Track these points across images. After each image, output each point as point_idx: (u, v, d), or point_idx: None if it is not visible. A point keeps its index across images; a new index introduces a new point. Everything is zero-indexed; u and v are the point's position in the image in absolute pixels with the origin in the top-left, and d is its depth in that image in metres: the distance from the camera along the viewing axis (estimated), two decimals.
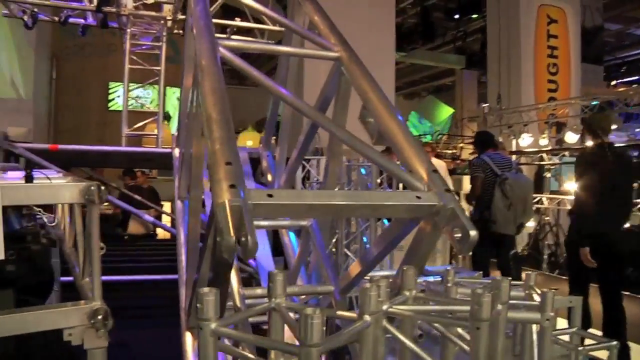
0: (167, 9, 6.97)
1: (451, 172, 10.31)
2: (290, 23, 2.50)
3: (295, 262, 2.87)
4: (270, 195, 1.41)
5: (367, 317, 1.23)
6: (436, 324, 1.49)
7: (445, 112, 21.74)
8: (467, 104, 20.06)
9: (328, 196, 1.46)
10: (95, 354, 1.42)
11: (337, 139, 2.32)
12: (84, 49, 13.15)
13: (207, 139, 1.65)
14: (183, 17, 6.85)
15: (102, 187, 1.34)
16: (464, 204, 6.93)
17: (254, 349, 1.64)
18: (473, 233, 1.42)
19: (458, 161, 13.92)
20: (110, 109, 13.85)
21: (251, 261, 3.16)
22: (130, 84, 9.19)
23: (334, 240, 4.75)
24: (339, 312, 1.30)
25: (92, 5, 6.66)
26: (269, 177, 3.70)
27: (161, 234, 8.81)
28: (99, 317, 1.39)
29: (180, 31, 7.08)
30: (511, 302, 1.82)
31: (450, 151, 16.75)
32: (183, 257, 3.33)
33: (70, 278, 4.73)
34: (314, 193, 1.45)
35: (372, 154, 1.80)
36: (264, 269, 2.89)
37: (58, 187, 1.36)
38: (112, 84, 13.65)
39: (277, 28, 7.25)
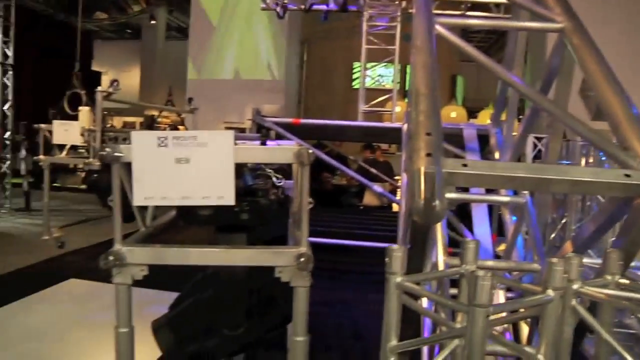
0: None
1: None
2: None
3: (510, 239, 2.83)
4: (465, 165, 1.46)
5: (550, 292, 1.22)
6: None
7: None
8: None
9: (522, 169, 1.45)
10: (300, 291, 1.69)
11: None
12: (330, 32, 14.16)
13: (412, 111, 1.76)
14: None
15: (310, 151, 1.56)
16: None
17: (450, 312, 1.71)
18: None
19: None
20: (354, 87, 14.65)
21: (470, 236, 3.19)
22: (371, 63, 9.65)
23: (563, 221, 4.50)
24: (522, 284, 1.31)
25: None
26: (497, 154, 3.67)
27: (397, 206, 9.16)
28: (302, 259, 1.64)
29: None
30: None
31: None
32: (400, 226, 3.51)
33: (319, 239, 5.33)
34: (507, 165, 1.46)
35: (586, 132, 1.71)
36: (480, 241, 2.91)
37: (276, 150, 1.63)
38: (355, 64, 14.41)
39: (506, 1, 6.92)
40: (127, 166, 1.66)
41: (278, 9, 7.95)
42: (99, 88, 4.39)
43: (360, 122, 7.31)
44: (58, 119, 5.39)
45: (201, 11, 13.70)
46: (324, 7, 7.81)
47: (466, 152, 3.97)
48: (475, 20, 2.38)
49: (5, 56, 10.17)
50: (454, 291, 2.20)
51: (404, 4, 7.45)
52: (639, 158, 1.47)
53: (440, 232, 2.28)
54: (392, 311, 1.32)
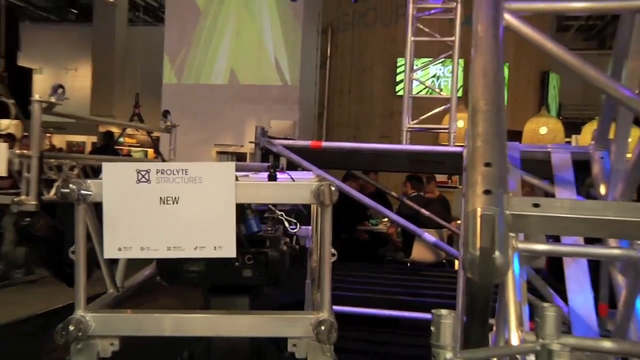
0: None
1: None
2: None
3: (621, 308, 2.90)
4: (536, 205, 1.58)
5: None
6: None
7: None
8: None
9: (622, 210, 1.53)
10: None
11: None
12: (364, 18, 14.29)
13: (469, 133, 1.89)
14: None
15: (333, 188, 1.69)
16: None
17: None
18: None
19: None
20: (398, 93, 14.60)
21: (561, 304, 3.28)
22: (421, 60, 9.70)
23: None
24: None
25: None
26: (602, 189, 3.68)
27: None
28: (323, 328, 1.74)
29: None
30: None
31: None
32: (460, 289, 3.60)
33: (347, 308, 5.33)
34: (598, 205, 1.56)
35: None
36: (577, 314, 2.98)
37: (289, 187, 1.77)
38: (400, 61, 14.35)
39: None
40: (96, 208, 1.83)
41: None
42: (37, 96, 4.50)
43: (405, 146, 7.34)
44: None
45: None
46: None
47: (555, 185, 3.96)
48: (564, 2, 2.44)
49: None
50: None
51: None
52: None
53: (512, 296, 2.36)
54: None
